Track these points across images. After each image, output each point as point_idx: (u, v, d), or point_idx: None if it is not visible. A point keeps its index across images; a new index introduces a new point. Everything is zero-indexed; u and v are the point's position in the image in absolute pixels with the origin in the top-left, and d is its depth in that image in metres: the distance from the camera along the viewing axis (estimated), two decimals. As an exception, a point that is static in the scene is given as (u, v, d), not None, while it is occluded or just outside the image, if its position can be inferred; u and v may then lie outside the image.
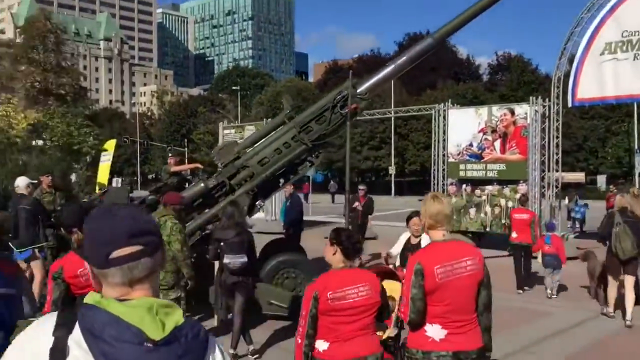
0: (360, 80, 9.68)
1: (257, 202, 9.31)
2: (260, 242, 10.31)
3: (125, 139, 60.35)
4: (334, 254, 3.55)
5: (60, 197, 9.24)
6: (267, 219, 21.86)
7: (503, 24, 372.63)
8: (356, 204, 13.41)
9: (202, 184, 8.92)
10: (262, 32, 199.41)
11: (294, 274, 8.53)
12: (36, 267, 7.80)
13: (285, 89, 59.66)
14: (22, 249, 7.73)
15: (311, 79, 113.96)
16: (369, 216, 14.09)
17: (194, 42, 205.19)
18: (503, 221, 15.04)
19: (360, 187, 14.28)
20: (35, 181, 8.74)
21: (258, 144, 9.37)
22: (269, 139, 9.28)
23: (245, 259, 6.37)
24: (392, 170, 47.40)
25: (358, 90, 9.25)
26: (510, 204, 14.98)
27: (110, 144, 22.93)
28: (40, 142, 24.58)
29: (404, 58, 9.37)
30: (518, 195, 13.54)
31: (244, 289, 6.47)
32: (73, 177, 15.70)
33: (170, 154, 10.10)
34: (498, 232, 15.45)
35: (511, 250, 11.06)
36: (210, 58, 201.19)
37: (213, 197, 9.09)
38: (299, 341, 3.43)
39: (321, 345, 3.44)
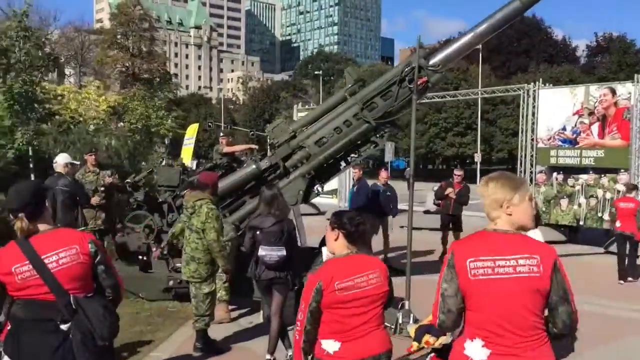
0: (434, 53, 8.51)
1: (314, 187, 8.42)
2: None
3: (209, 124, 61.21)
4: (336, 239, 3.22)
5: (104, 177, 8.71)
6: (339, 205, 20.98)
7: (603, 4, 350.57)
8: (449, 190, 11.50)
9: (254, 166, 8.13)
10: (348, 18, 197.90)
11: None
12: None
13: (367, 73, 58.38)
14: None
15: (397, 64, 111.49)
16: (464, 207, 11.74)
17: (280, 29, 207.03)
18: (600, 214, 13.33)
19: (457, 172, 11.96)
20: (78, 163, 8.23)
21: (316, 122, 8.46)
22: (329, 117, 8.35)
23: (283, 252, 5.49)
24: (477, 157, 45.13)
25: (431, 62, 8.11)
26: (608, 195, 13.23)
27: (192, 129, 22.80)
28: (121, 124, 24.98)
29: (485, 25, 8.11)
30: (622, 182, 12.07)
31: (282, 287, 5.59)
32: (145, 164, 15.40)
33: (222, 134, 9.32)
34: (594, 227, 13.74)
35: (616, 240, 10.67)
36: (296, 44, 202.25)
37: (266, 180, 8.30)
38: (297, 337, 3.10)
39: (331, 346, 3.07)
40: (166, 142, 25.35)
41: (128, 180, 8.12)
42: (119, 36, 49.85)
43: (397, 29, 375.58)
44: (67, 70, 51.41)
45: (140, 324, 6.93)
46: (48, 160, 13.77)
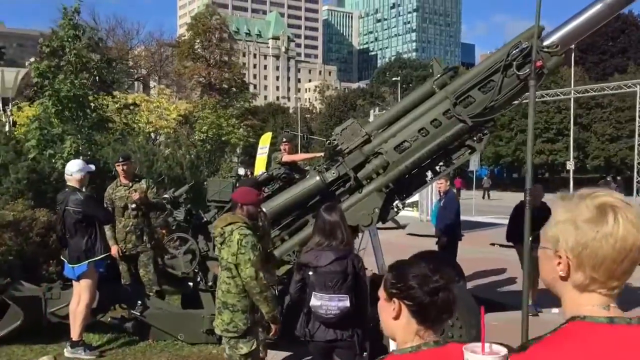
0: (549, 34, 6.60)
1: (393, 204, 6.70)
2: (410, 251, 7.75)
3: (286, 132, 60.82)
4: (397, 316, 1.78)
5: (142, 191, 7.25)
6: (421, 218, 19.06)
7: None
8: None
9: (318, 177, 6.49)
10: (427, 24, 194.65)
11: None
12: (85, 288, 5.92)
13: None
14: (76, 264, 5.87)
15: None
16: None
17: (357, 37, 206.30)
18: None
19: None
20: (93, 168, 6.74)
21: (396, 122, 6.76)
22: (411, 116, 6.62)
23: (346, 303, 3.84)
24: (570, 165, 41.58)
25: (545, 43, 6.24)
26: None
27: (266, 137, 21.85)
28: (197, 137, 24.31)
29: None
30: None
31: (346, 353, 3.92)
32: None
33: (284, 139, 7.74)
34: None
35: None
36: (373, 53, 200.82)
37: (333, 195, 6.67)
38: None
39: None
40: (238, 151, 24.36)
41: (166, 195, 6.71)
42: (196, 46, 50.06)
43: (477, 34, 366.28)
44: (152, 83, 52.27)
45: (173, 378, 5.47)
46: (106, 171, 12.84)
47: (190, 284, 6.85)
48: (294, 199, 6.58)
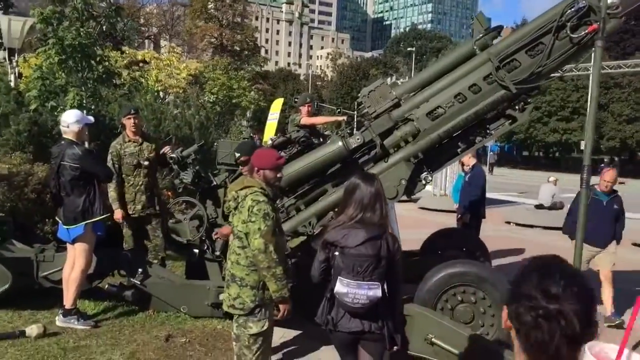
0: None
1: (421, 176, 6.08)
2: (423, 225, 7.16)
3: (296, 99, 59.88)
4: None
5: (149, 150, 6.65)
6: (434, 192, 18.45)
7: None
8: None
9: (340, 143, 5.87)
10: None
11: (475, 296, 5.20)
12: (80, 251, 5.36)
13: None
14: (72, 225, 5.30)
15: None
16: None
17: (372, 6, 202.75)
18: None
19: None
20: (92, 119, 6.11)
21: (430, 86, 6.11)
22: (448, 79, 5.97)
23: (378, 292, 3.27)
24: (586, 146, 40.75)
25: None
26: None
27: (277, 103, 21.24)
28: (207, 98, 23.59)
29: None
30: None
31: (374, 346, 3.37)
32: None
33: (307, 99, 7.09)
34: None
35: None
36: (387, 22, 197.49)
37: (356, 163, 6.07)
38: None
39: None
40: (248, 114, 23.68)
41: (172, 155, 6.09)
42: (209, 6, 48.89)
43: (493, 9, 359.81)
44: (162, 42, 51.28)
45: (173, 356, 4.95)
46: (112, 128, 12.24)
47: (196, 250, 6.30)
48: (312, 165, 5.97)
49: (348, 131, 6.15)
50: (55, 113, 10.12)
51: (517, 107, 5.98)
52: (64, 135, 5.47)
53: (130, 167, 6.50)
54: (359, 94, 6.23)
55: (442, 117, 5.82)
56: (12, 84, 13.06)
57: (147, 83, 17.25)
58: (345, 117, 7.70)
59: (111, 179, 5.88)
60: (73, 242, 5.35)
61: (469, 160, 8.65)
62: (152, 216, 6.56)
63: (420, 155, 5.91)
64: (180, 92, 21.45)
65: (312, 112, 7.64)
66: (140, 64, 23.13)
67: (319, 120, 7.40)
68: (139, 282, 5.77)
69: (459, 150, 6.38)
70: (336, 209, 6.31)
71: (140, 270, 5.77)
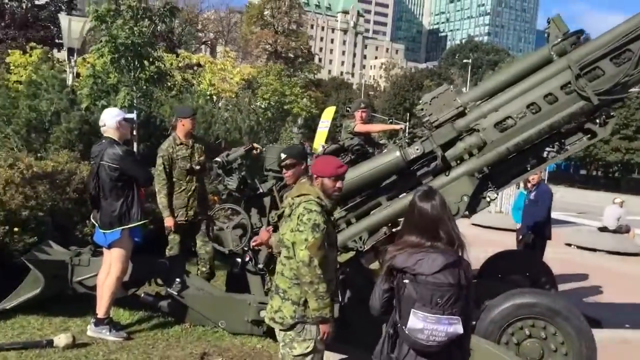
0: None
1: (485, 193, 5.53)
2: (477, 244, 6.58)
3: (348, 108, 59.57)
4: None
5: (200, 153, 6.34)
6: (489, 209, 17.64)
7: None
8: None
9: (398, 153, 5.39)
10: (502, 7, 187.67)
11: (545, 331, 4.61)
12: (116, 257, 5.04)
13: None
14: (108, 230, 4.99)
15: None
16: None
17: (428, 17, 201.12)
18: None
19: None
20: (132, 116, 5.81)
21: (499, 94, 5.57)
22: (520, 88, 5.41)
23: (459, 328, 2.77)
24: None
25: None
26: None
27: (329, 111, 21.02)
28: (258, 103, 23.48)
29: None
30: None
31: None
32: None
33: (361, 105, 6.63)
34: None
35: None
36: (443, 34, 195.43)
37: (413, 176, 5.57)
38: None
39: None
40: (299, 121, 23.42)
41: (217, 159, 5.73)
42: (265, 12, 49.20)
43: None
44: (218, 48, 51.96)
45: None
46: (162, 129, 12.10)
47: (239, 260, 5.92)
48: (366, 175, 5.50)
49: (407, 140, 5.66)
50: (106, 112, 10.00)
51: (597, 121, 5.37)
52: (105, 134, 5.18)
53: (182, 171, 6.23)
54: (420, 101, 5.73)
55: (512, 129, 5.27)
56: (69, 82, 13.14)
57: (199, 86, 17.14)
58: (402, 126, 7.21)
59: (151, 184, 5.55)
60: (109, 247, 5.04)
61: (534, 177, 8.02)
62: (203, 222, 6.25)
63: (485, 170, 5.37)
64: (233, 96, 21.36)
65: (367, 119, 7.18)
66: (195, 68, 23.20)
67: (374, 127, 6.93)
68: (175, 293, 5.42)
69: (528, 166, 5.81)
70: (390, 225, 5.88)
71: (177, 280, 5.42)
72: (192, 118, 6.42)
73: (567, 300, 5.13)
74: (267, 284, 5.63)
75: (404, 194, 5.71)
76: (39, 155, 9.90)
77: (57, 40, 30.43)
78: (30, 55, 21.26)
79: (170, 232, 6.19)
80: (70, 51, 18.69)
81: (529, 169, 5.78)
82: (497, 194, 5.64)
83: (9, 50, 23.01)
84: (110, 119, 5.14)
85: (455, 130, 5.38)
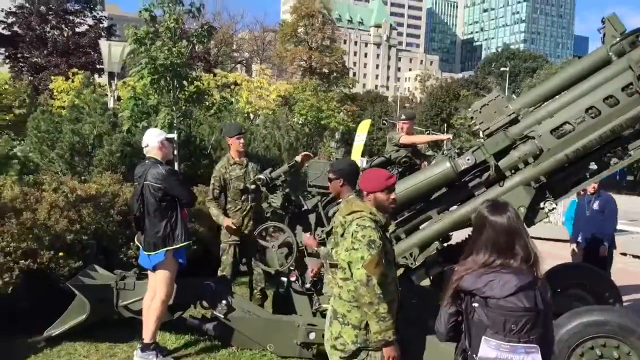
0: None
1: (543, 203, 5.23)
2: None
3: (384, 121, 59.47)
4: None
5: (255, 172, 6.15)
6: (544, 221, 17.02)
7: None
8: None
9: (448, 164, 5.16)
10: (538, 14, 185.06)
11: (618, 350, 4.26)
12: (161, 280, 4.91)
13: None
14: (153, 251, 4.87)
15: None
16: None
17: (462, 27, 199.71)
18: None
19: None
20: (172, 136, 5.77)
21: (554, 99, 5.30)
22: (577, 91, 5.14)
23: (537, 357, 2.51)
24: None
25: None
26: None
27: (365, 125, 20.92)
28: (295, 119, 23.47)
29: None
30: None
31: None
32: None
33: (402, 116, 6.41)
34: None
35: None
36: (478, 43, 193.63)
37: (465, 187, 5.33)
38: None
39: None
40: (337, 136, 23.30)
41: (261, 176, 5.58)
42: (298, 30, 49.54)
43: (589, 27, 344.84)
44: (254, 67, 52.56)
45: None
46: (201, 149, 12.10)
47: (284, 279, 5.74)
48: (415, 189, 5.28)
49: (456, 151, 5.42)
50: (146, 133, 10.03)
51: (662, 124, 5.04)
52: (147, 155, 5.10)
53: (237, 191, 6.14)
54: (469, 109, 5.50)
55: (570, 135, 4.99)
56: (110, 106, 13.30)
57: (236, 104, 17.19)
58: (449, 136, 6.97)
59: (194, 204, 5.42)
60: (154, 269, 4.93)
61: (594, 184, 7.61)
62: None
63: (542, 179, 5.09)
64: (270, 113, 21.39)
65: (410, 130, 6.94)
66: (232, 86, 23.37)
67: (420, 139, 6.70)
68: (222, 316, 5.27)
69: (587, 173, 5.49)
70: (441, 240, 5.61)
71: (223, 302, 5.27)
72: (238, 137, 6.24)
73: (622, 308, 4.77)
74: (315, 304, 5.44)
75: (455, 206, 5.47)
76: (82, 178, 9.98)
77: (98, 66, 31.17)
78: (73, 81, 21.78)
79: (224, 253, 6.06)
80: (111, 75, 19.07)
81: (588, 176, 5.47)
82: (556, 205, 5.34)
83: (52, 77, 23.61)
84: (152, 139, 5.06)
85: (509, 138, 5.11)
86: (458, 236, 5.77)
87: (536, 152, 5.04)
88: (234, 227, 6.03)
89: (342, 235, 3.43)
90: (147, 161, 5.04)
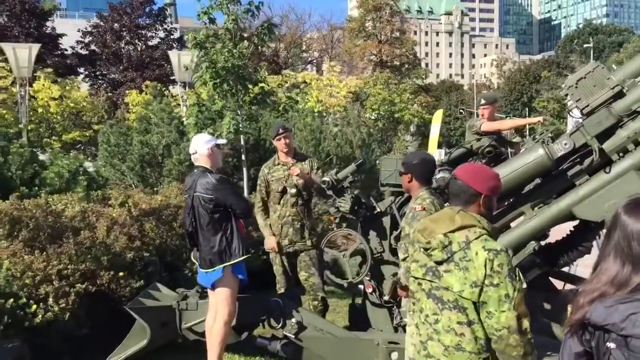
0: None
1: (662, 190, 4.39)
2: None
3: (461, 110, 57.67)
4: None
5: (305, 171, 5.57)
6: None
7: None
8: None
9: (541, 151, 4.41)
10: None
11: None
12: (222, 299, 4.45)
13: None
14: (209, 268, 4.43)
15: None
16: None
17: (538, 7, 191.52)
18: None
19: None
20: (223, 141, 5.30)
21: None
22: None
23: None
24: None
25: None
26: None
27: (438, 115, 20.15)
28: (368, 115, 22.89)
29: None
30: None
31: None
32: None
33: (482, 101, 5.66)
34: None
35: None
36: (556, 22, 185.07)
37: (563, 177, 4.58)
38: None
39: None
40: (412, 128, 22.50)
41: (326, 178, 5.03)
42: (366, 24, 48.82)
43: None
44: (324, 66, 52.39)
45: None
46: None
47: (361, 287, 5.20)
48: (506, 181, 4.52)
49: (550, 135, 4.66)
50: (213, 140, 9.74)
51: None
52: (196, 163, 4.68)
53: (276, 194, 5.55)
54: (563, 85, 4.72)
55: (693, 108, 4.13)
56: (183, 116, 13.22)
57: (306, 104, 16.78)
58: (540, 119, 6.14)
59: (250, 215, 4.94)
60: (213, 288, 4.50)
61: None
62: (302, 252, 5.53)
63: (657, 163, 4.25)
64: (342, 110, 20.90)
65: (492, 116, 6.19)
66: (301, 86, 23.09)
67: (504, 124, 5.92)
68: (292, 335, 4.77)
69: None
70: (538, 239, 4.87)
71: (293, 320, 4.77)
72: (283, 135, 5.55)
73: None
74: (396, 318, 4.85)
75: (552, 199, 4.71)
76: (155, 189, 9.86)
77: (171, 77, 31.85)
78: (147, 94, 22.20)
79: (274, 263, 5.57)
80: (183, 85, 19.20)
81: None
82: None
83: (127, 91, 24.21)
84: (201, 146, 4.62)
85: (614, 115, 4.31)
86: (554, 235, 5.03)
87: (650, 130, 4.22)
88: (274, 249, 5.48)
89: (445, 261, 2.57)
90: (195, 170, 4.62)
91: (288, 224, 5.47)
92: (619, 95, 4.38)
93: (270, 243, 5.50)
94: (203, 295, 4.96)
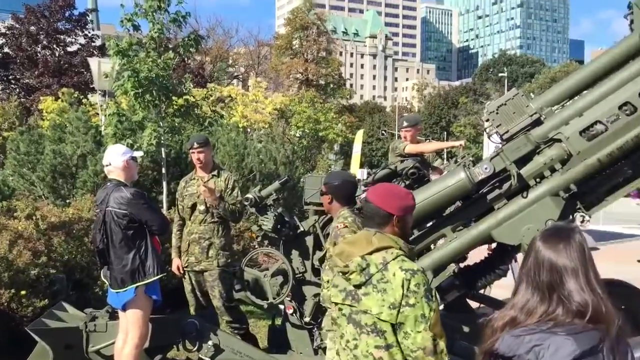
0: None
1: (576, 214, 4.57)
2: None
3: (383, 132, 58.98)
4: None
5: (218, 188, 5.17)
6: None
7: None
8: None
9: (463, 174, 4.48)
10: (532, 20, 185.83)
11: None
12: (133, 321, 4.20)
13: (561, 74, 52.06)
14: (121, 289, 4.17)
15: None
16: None
17: (457, 35, 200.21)
18: None
19: None
20: (139, 154, 5.07)
21: (581, 95, 4.65)
22: (607, 86, 4.49)
23: None
24: None
25: None
26: None
27: (359, 136, 20.60)
28: (292, 132, 22.92)
29: None
30: None
31: None
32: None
33: (404, 123, 5.71)
34: None
35: None
36: (474, 50, 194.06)
37: (483, 200, 4.67)
38: None
39: None
40: (335, 147, 22.72)
41: (249, 195, 4.89)
42: (293, 42, 49.16)
43: (583, 31, 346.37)
44: (250, 82, 52.12)
45: None
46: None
47: (282, 306, 5.08)
48: (427, 204, 4.59)
49: (471, 159, 4.75)
50: (132, 152, 9.35)
51: None
52: (110, 176, 4.40)
53: (187, 209, 5.31)
54: (485, 110, 4.83)
55: (603, 136, 4.32)
56: (102, 125, 12.65)
57: (230, 119, 16.57)
58: (462, 143, 6.28)
59: (166, 231, 4.69)
60: (124, 309, 4.23)
61: None
62: (205, 272, 5.23)
63: (572, 188, 4.41)
64: (267, 126, 20.80)
65: (414, 138, 6.28)
66: (226, 100, 22.81)
67: (428, 147, 6.03)
68: (209, 359, 4.57)
69: (624, 181, 4.81)
70: (457, 261, 4.94)
71: (210, 342, 4.57)
72: (199, 149, 5.25)
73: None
74: (317, 340, 4.76)
75: (472, 222, 4.80)
76: (67, 202, 9.33)
77: (91, 85, 30.62)
78: (63, 101, 21.21)
79: (184, 281, 5.35)
80: (103, 93, 18.45)
81: (624, 183, 4.78)
82: (589, 217, 4.67)
83: (42, 97, 23.05)
84: (116, 158, 4.35)
85: (531, 142, 4.45)
86: (474, 257, 5.13)
87: (564, 157, 4.39)
88: (177, 272, 5.29)
89: (362, 284, 2.50)
90: (109, 184, 4.34)
91: (195, 241, 5.21)
92: (537, 122, 4.53)
93: (173, 265, 5.30)
94: (113, 316, 4.65)
